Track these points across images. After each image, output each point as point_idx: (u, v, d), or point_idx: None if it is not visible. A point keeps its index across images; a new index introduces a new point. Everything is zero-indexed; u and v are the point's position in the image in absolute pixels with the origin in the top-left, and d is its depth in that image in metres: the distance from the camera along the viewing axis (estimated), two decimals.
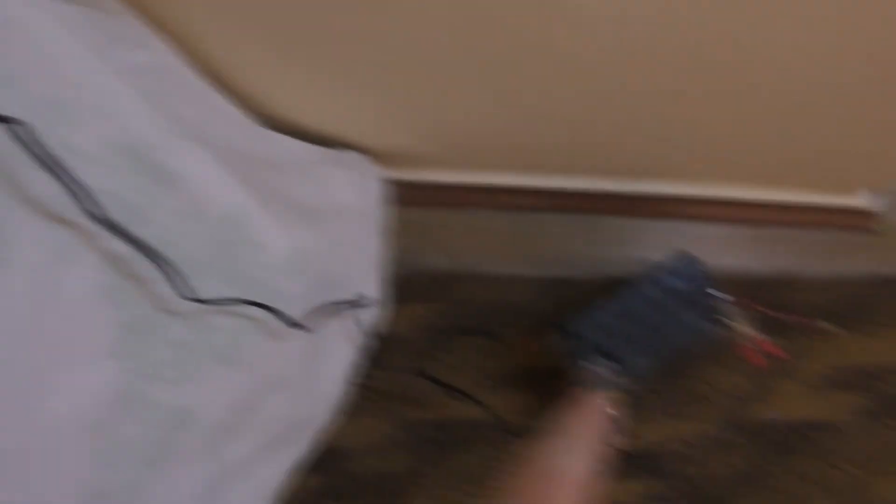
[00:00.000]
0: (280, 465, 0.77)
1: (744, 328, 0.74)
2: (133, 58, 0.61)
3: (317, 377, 0.76)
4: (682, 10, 0.61)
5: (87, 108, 0.53)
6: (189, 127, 0.62)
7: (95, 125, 0.53)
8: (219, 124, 0.68)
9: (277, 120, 0.81)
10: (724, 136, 0.82)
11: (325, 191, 0.77)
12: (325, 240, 0.73)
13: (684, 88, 0.73)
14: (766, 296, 0.93)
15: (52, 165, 0.48)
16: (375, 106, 0.80)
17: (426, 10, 0.64)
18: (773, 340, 0.92)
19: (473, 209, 0.95)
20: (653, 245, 0.96)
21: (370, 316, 0.83)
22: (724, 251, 0.97)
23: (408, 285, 0.91)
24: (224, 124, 0.69)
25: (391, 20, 0.66)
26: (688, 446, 0.88)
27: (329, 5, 0.65)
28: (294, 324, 0.66)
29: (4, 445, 0.51)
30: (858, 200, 0.97)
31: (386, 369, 0.88)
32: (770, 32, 0.63)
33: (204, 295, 0.59)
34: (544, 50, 0.69)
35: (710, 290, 0.77)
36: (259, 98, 0.78)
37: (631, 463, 0.87)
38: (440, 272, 0.92)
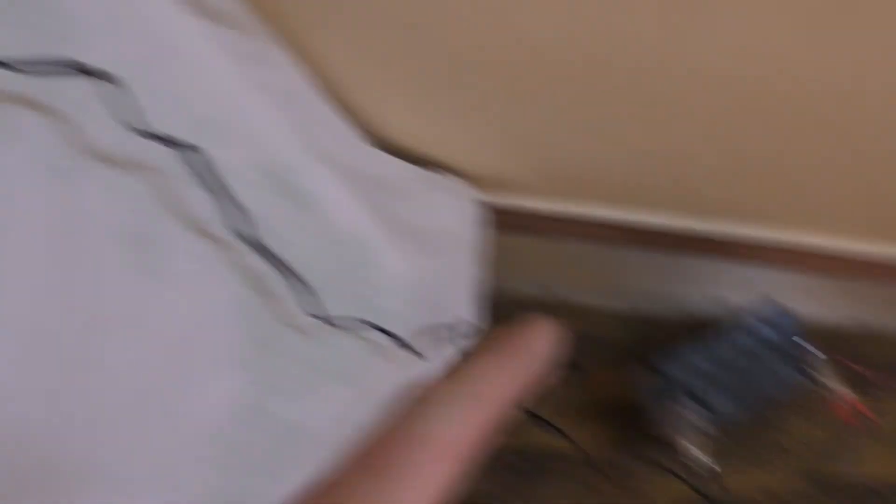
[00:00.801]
0: None
1: (831, 382, 0.74)
2: (271, 78, 0.63)
3: None
4: (797, 68, 0.62)
5: (238, 129, 0.55)
6: (318, 147, 0.63)
7: (244, 145, 0.55)
8: (340, 143, 0.70)
9: (378, 137, 0.82)
10: (817, 184, 0.82)
11: (428, 213, 0.78)
12: (429, 262, 0.74)
13: (783, 135, 0.74)
14: (850, 350, 0.93)
15: (213, 186, 0.50)
16: (475, 130, 0.81)
17: (535, 46, 0.66)
18: (860, 397, 0.91)
19: (562, 238, 0.96)
20: (738, 289, 0.97)
21: (464, 340, 0.84)
22: (808, 300, 0.97)
23: (496, 311, 0.92)
24: (344, 143, 0.71)
25: (499, 51, 0.67)
26: (767, 496, 0.88)
27: (439, 31, 0.66)
28: (406, 346, 0.67)
29: (141, 450, 0.52)
30: None
31: None
32: (874, 83, 0.63)
33: (327, 313, 0.61)
34: (651, 93, 0.70)
35: (799, 341, 0.77)
36: (364, 115, 0.79)
37: None
38: (527, 299, 0.93)
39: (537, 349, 0.27)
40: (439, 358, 0.79)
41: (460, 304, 0.82)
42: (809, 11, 0.57)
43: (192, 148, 0.47)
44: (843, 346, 0.93)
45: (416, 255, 0.71)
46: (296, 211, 0.59)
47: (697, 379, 0.77)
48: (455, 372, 0.25)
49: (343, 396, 0.65)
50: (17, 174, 0.43)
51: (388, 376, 0.69)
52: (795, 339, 0.77)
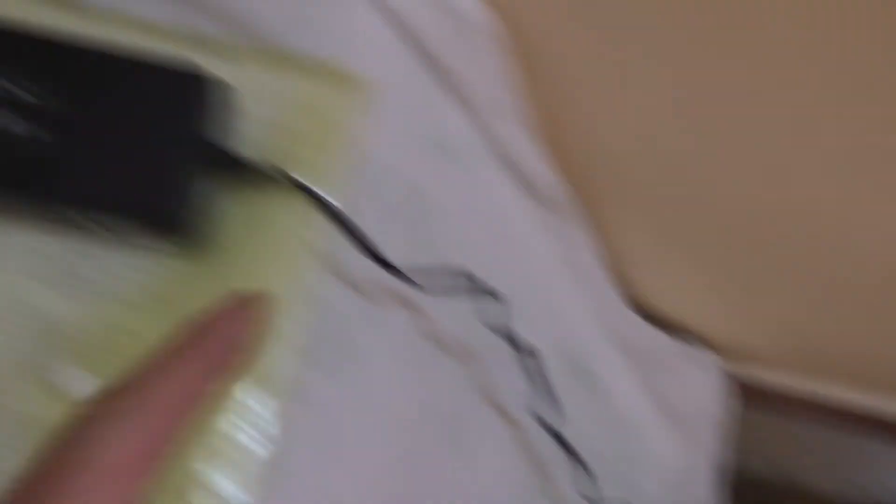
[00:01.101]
0: None
1: None
2: (573, 255, 0.64)
3: None
4: None
5: (552, 314, 0.56)
6: (604, 324, 0.64)
7: (554, 330, 0.57)
8: (618, 318, 0.70)
9: (634, 299, 0.82)
10: None
11: (686, 389, 0.78)
12: (687, 443, 0.73)
13: None
14: None
15: (536, 379, 0.51)
16: (735, 302, 0.80)
17: (815, 236, 0.65)
18: None
19: (804, 419, 0.92)
20: None
21: None
22: None
23: (724, 486, 0.89)
24: (620, 317, 0.71)
25: (775, 232, 0.67)
26: None
27: (719, 210, 0.67)
28: None
29: None
30: None
31: None
32: None
33: (601, 496, 0.61)
34: None
35: None
36: (626, 279, 0.80)
37: None
38: (755, 477, 0.89)
39: (228, 333, 0.23)
40: None
41: (706, 485, 0.80)
42: None
43: (530, 352, 0.49)
44: None
45: (678, 436, 0.70)
46: (584, 393, 0.60)
47: None
48: (119, 380, 0.22)
49: None
50: (378, 361, 0.46)
51: None
52: None
